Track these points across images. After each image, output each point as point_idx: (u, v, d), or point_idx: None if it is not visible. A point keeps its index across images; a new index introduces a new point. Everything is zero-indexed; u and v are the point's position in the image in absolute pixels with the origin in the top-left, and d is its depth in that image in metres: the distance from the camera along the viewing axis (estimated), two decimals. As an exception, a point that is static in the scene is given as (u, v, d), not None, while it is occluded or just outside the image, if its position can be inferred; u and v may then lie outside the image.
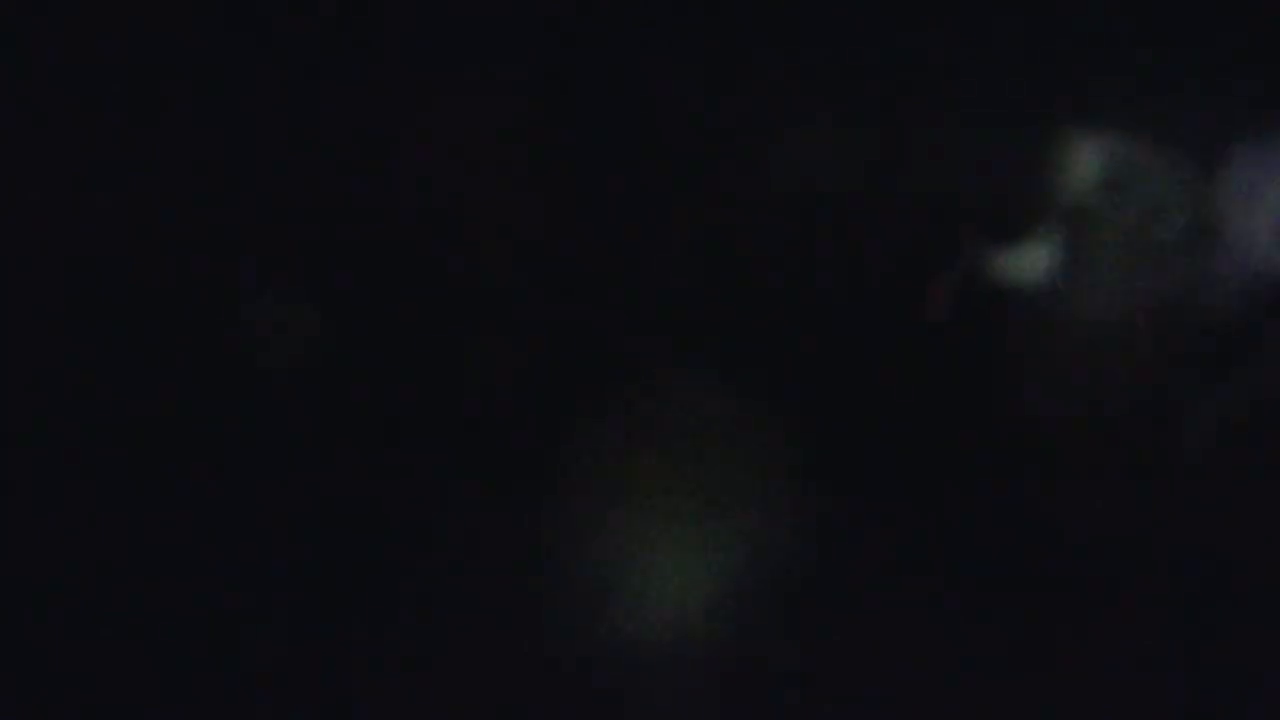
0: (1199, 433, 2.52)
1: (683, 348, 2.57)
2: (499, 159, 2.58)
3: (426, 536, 2.52)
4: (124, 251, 2.52)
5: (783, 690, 2.44)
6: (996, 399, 2.54)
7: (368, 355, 2.56)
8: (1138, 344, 2.53)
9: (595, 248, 2.57)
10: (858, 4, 2.52)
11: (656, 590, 2.51)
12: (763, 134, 2.55)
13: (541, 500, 2.53)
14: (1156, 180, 2.51)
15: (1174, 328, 2.52)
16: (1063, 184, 2.52)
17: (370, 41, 2.53)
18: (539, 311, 2.59)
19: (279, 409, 2.54)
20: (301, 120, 2.52)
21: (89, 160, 2.51)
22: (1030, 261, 2.52)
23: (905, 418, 2.55)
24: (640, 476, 2.55)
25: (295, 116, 2.52)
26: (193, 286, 2.53)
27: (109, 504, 2.49)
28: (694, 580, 2.52)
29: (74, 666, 2.42)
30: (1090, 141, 2.51)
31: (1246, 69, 2.48)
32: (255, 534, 2.49)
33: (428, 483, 2.53)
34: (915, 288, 2.53)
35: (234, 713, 2.43)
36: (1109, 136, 2.51)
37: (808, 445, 2.53)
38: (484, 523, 2.52)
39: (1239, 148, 2.50)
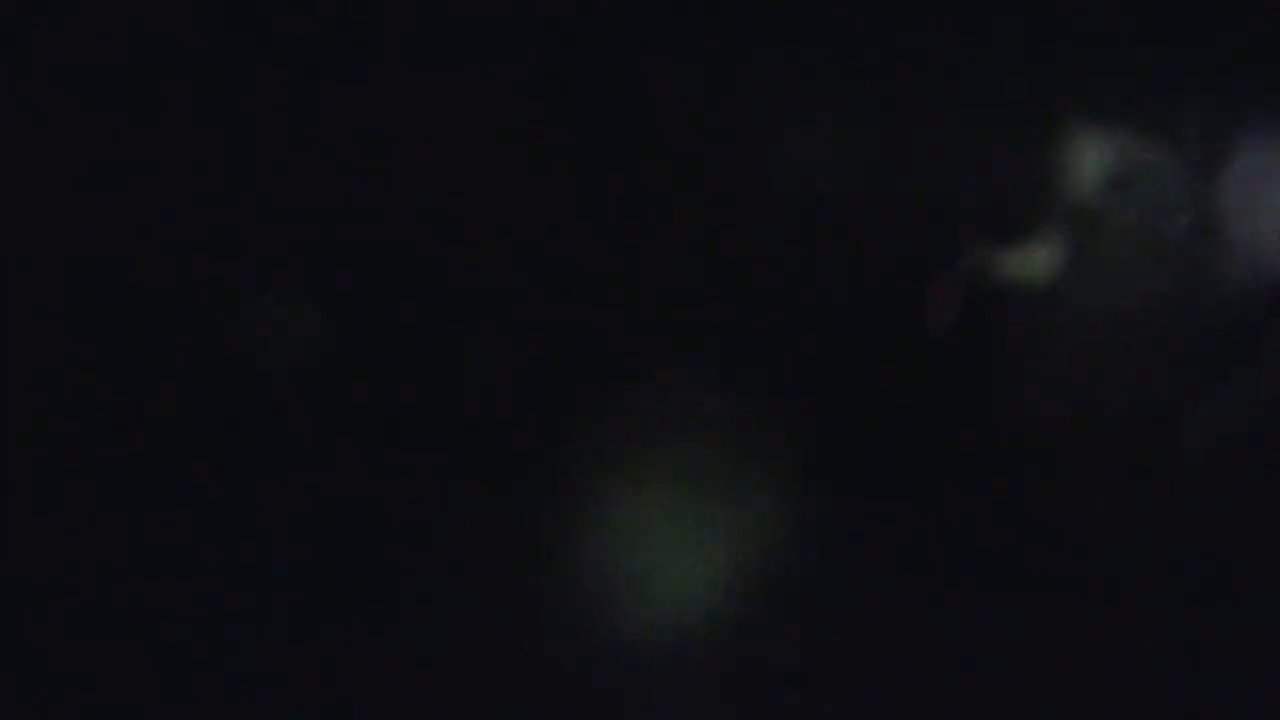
0: (1199, 433, 2.52)
1: (683, 348, 2.57)
2: (499, 159, 2.58)
3: (426, 536, 2.52)
4: (124, 251, 2.52)
5: (783, 690, 2.44)
6: (996, 398, 2.54)
7: (368, 355, 2.56)
8: (1137, 344, 2.53)
9: (595, 248, 2.57)
10: (858, 4, 2.52)
11: (656, 590, 2.51)
12: (763, 134, 2.55)
13: (541, 500, 2.53)
14: (1157, 180, 2.51)
15: (1174, 328, 2.52)
16: (1063, 184, 2.52)
17: (370, 41, 2.53)
18: (539, 311, 2.59)
19: (279, 409, 2.54)
20: (301, 120, 2.52)
21: (89, 160, 2.51)
22: (1030, 261, 2.53)
23: (905, 417, 2.55)
24: (640, 476, 2.55)
25: (295, 116, 2.52)
26: (193, 286, 2.53)
27: (109, 504, 2.49)
28: (694, 580, 2.52)
29: (74, 666, 2.42)
30: (1091, 142, 2.51)
31: (1247, 69, 2.48)
32: (255, 534, 2.49)
33: (428, 483, 2.53)
34: (915, 288, 2.53)
35: (234, 713, 2.43)
36: (1109, 136, 2.51)
37: (808, 445, 2.53)
38: (484, 523, 2.52)
39: (1240, 147, 2.50)
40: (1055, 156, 2.52)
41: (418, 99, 2.54)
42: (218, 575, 2.48)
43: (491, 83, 2.56)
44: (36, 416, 2.50)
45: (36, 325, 2.52)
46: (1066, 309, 2.53)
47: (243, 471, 2.50)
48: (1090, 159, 2.51)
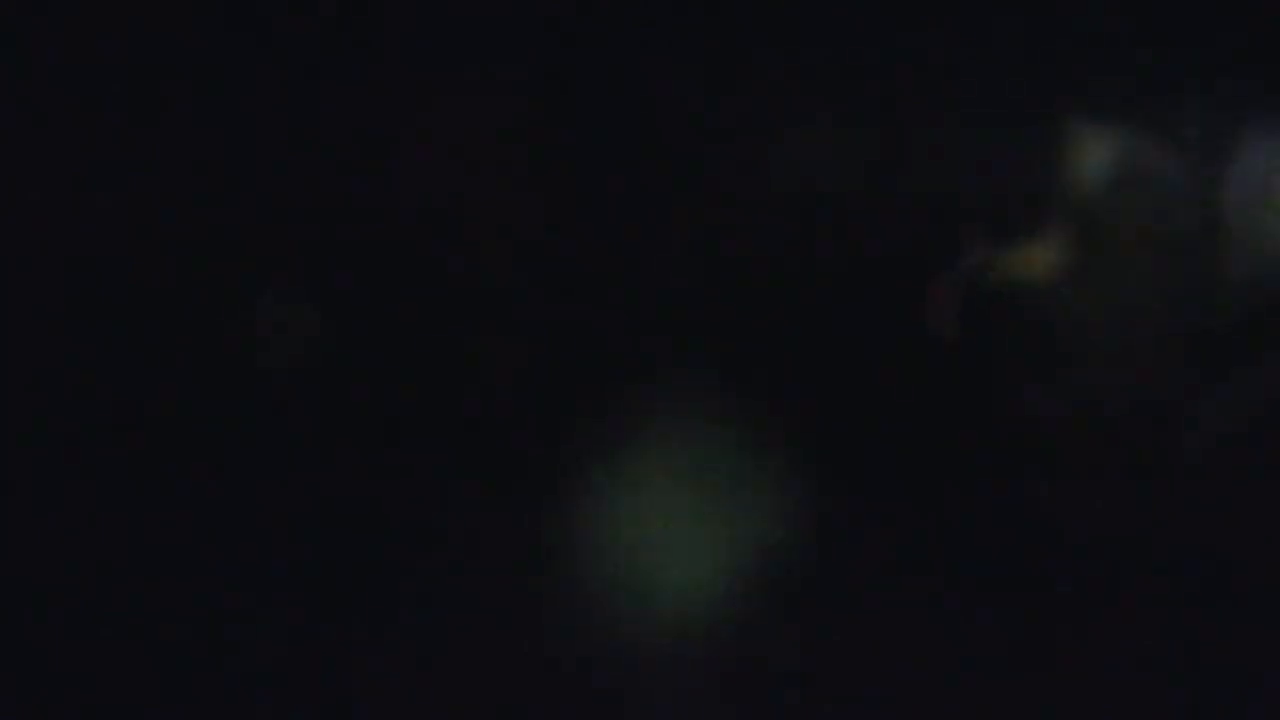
0: (1199, 433, 2.52)
1: (683, 348, 2.57)
2: (499, 159, 2.58)
3: (426, 536, 2.52)
4: (124, 251, 2.52)
5: (783, 690, 2.44)
6: (997, 398, 2.54)
7: (368, 355, 2.56)
8: (1137, 344, 2.53)
9: (595, 248, 2.57)
10: (858, 4, 2.52)
11: (656, 590, 2.51)
12: (763, 134, 2.54)
13: (541, 500, 2.53)
14: (1157, 180, 2.51)
15: (1174, 328, 2.52)
16: (1063, 184, 2.52)
17: (370, 41, 2.53)
18: (539, 311, 2.59)
19: (279, 409, 2.54)
20: (301, 120, 2.52)
21: (89, 160, 2.51)
22: (1030, 261, 2.52)
23: (905, 417, 2.54)
24: (640, 476, 2.55)
25: (295, 116, 2.52)
26: (193, 287, 2.53)
27: (109, 504, 2.49)
28: (694, 580, 2.52)
29: (74, 666, 2.42)
30: (1091, 142, 2.51)
31: (1247, 69, 2.48)
32: (255, 534, 2.49)
33: (428, 483, 2.53)
34: (915, 288, 2.53)
35: (234, 713, 2.43)
36: (1109, 136, 2.51)
37: (808, 445, 2.53)
38: (484, 523, 2.52)
39: (1241, 147, 2.50)
40: (1055, 156, 2.52)
41: (418, 99, 2.54)
42: (218, 575, 2.48)
43: (491, 83, 2.56)
44: (36, 416, 2.50)
45: (36, 325, 2.52)
46: (1066, 309, 2.53)
47: (243, 471, 2.50)
48: (1090, 159, 2.51)
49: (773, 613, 2.49)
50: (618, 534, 2.52)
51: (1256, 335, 2.51)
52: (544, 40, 2.55)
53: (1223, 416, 2.52)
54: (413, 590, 2.49)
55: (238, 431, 2.52)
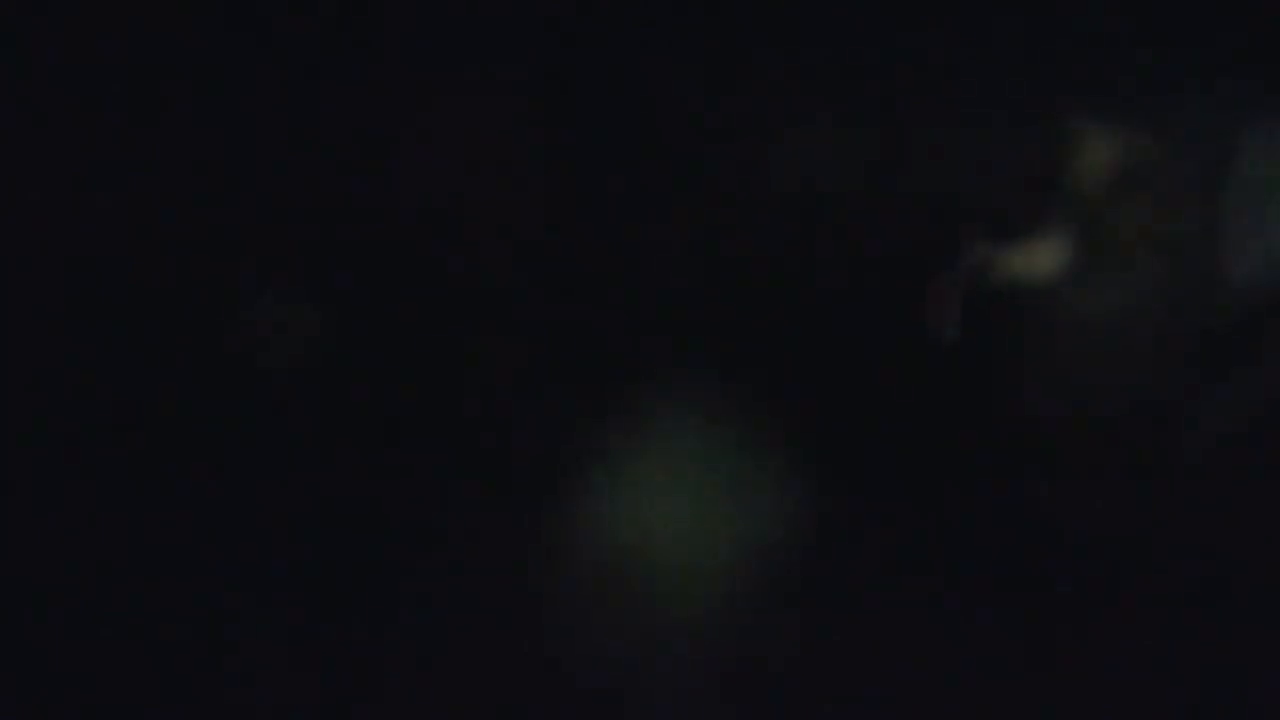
0: (1199, 433, 2.52)
1: (683, 348, 2.57)
2: (499, 159, 2.58)
3: (426, 536, 2.52)
4: (124, 251, 2.52)
5: (783, 690, 2.44)
6: (997, 398, 2.54)
7: (368, 355, 2.56)
8: (1137, 344, 2.53)
9: (595, 248, 2.57)
10: (858, 4, 2.52)
11: (656, 590, 2.51)
12: (763, 134, 2.55)
13: (541, 500, 2.53)
14: (1157, 180, 2.51)
15: (1174, 328, 2.52)
16: (1063, 184, 2.52)
17: (370, 41, 2.53)
18: (539, 311, 2.59)
19: (279, 409, 2.54)
20: (301, 120, 2.52)
21: (89, 160, 2.51)
22: (1030, 261, 2.52)
23: (906, 417, 2.55)
24: (640, 476, 2.55)
25: (295, 116, 2.52)
26: (193, 286, 2.53)
27: (109, 504, 2.49)
28: (694, 579, 2.52)
29: (74, 666, 2.42)
30: (1091, 142, 2.51)
31: (1247, 69, 2.48)
32: (255, 534, 2.49)
33: (428, 483, 2.53)
34: (915, 288, 2.53)
35: (234, 713, 2.43)
36: (1110, 136, 2.51)
37: (808, 445, 2.53)
38: (484, 523, 2.52)
39: (1240, 147, 2.50)
40: (1055, 156, 2.52)
41: (418, 99, 2.54)
42: (218, 575, 2.48)
43: (491, 83, 2.56)
44: (36, 416, 2.51)
45: (36, 325, 2.52)
46: (1066, 309, 2.53)
47: (243, 471, 2.50)
48: (1090, 159, 2.51)
49: (773, 613, 2.49)
50: (617, 534, 2.52)
51: (1256, 335, 2.52)
52: (544, 40, 2.55)
53: (1223, 416, 2.52)
54: (413, 590, 2.50)
55: (238, 431, 2.52)
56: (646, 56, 2.54)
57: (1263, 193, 2.51)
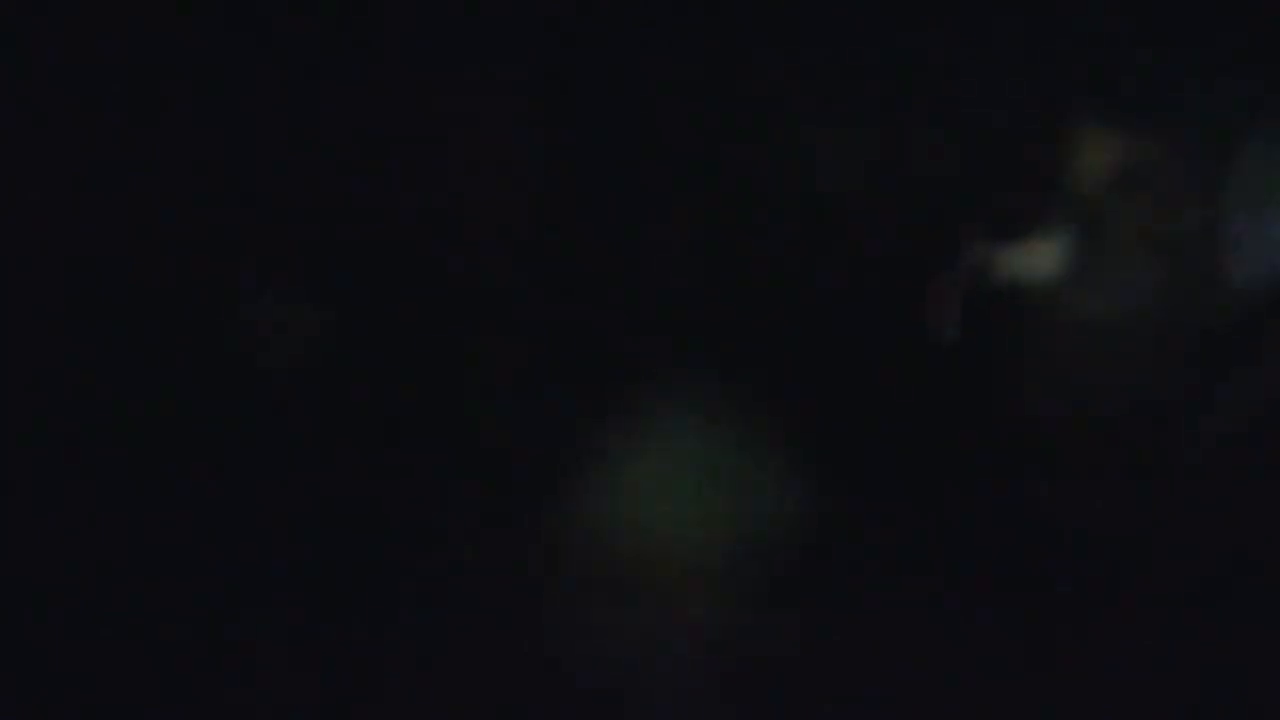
0: (1199, 433, 2.52)
1: (683, 348, 2.57)
2: (499, 159, 2.58)
3: (426, 536, 2.52)
4: (124, 251, 2.52)
5: (783, 690, 2.44)
6: (997, 398, 2.54)
7: (368, 355, 2.56)
8: (1138, 344, 2.53)
9: (596, 248, 2.57)
10: (858, 4, 2.52)
11: (656, 590, 2.51)
12: (763, 134, 2.55)
13: (541, 500, 2.53)
14: (1157, 180, 2.51)
15: (1174, 327, 2.52)
16: (1063, 184, 2.52)
17: (370, 41, 2.53)
18: (539, 311, 2.59)
19: (279, 409, 2.54)
20: (301, 120, 2.52)
21: (89, 160, 2.51)
22: (1030, 261, 2.53)
23: (906, 417, 2.55)
24: (640, 476, 2.55)
25: (295, 116, 2.52)
26: (193, 286, 2.53)
27: (109, 504, 2.49)
28: (694, 579, 2.52)
29: (74, 666, 2.42)
30: (1091, 142, 2.51)
31: (1247, 69, 2.48)
32: (255, 534, 2.49)
33: (428, 483, 2.53)
34: (915, 288, 2.53)
35: (234, 713, 2.43)
36: (1110, 136, 2.51)
37: (808, 445, 2.53)
38: (484, 523, 2.52)
39: (1241, 147, 2.50)
40: (1055, 156, 2.52)
41: (418, 99, 2.54)
42: (218, 575, 2.48)
43: (491, 83, 2.56)
44: (36, 416, 2.51)
45: (36, 325, 2.52)
46: (1067, 309, 2.53)
47: (243, 471, 2.50)
48: (1090, 159, 2.51)
49: (773, 612, 2.49)
50: (617, 534, 2.52)
51: (1256, 335, 2.52)
52: (544, 40, 2.55)
53: (1223, 416, 2.52)
54: (413, 590, 2.50)
55: (238, 431, 2.52)
56: (646, 56, 2.54)
57: (1263, 193, 2.51)
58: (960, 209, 2.52)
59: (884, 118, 2.53)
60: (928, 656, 2.45)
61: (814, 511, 2.51)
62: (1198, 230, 2.51)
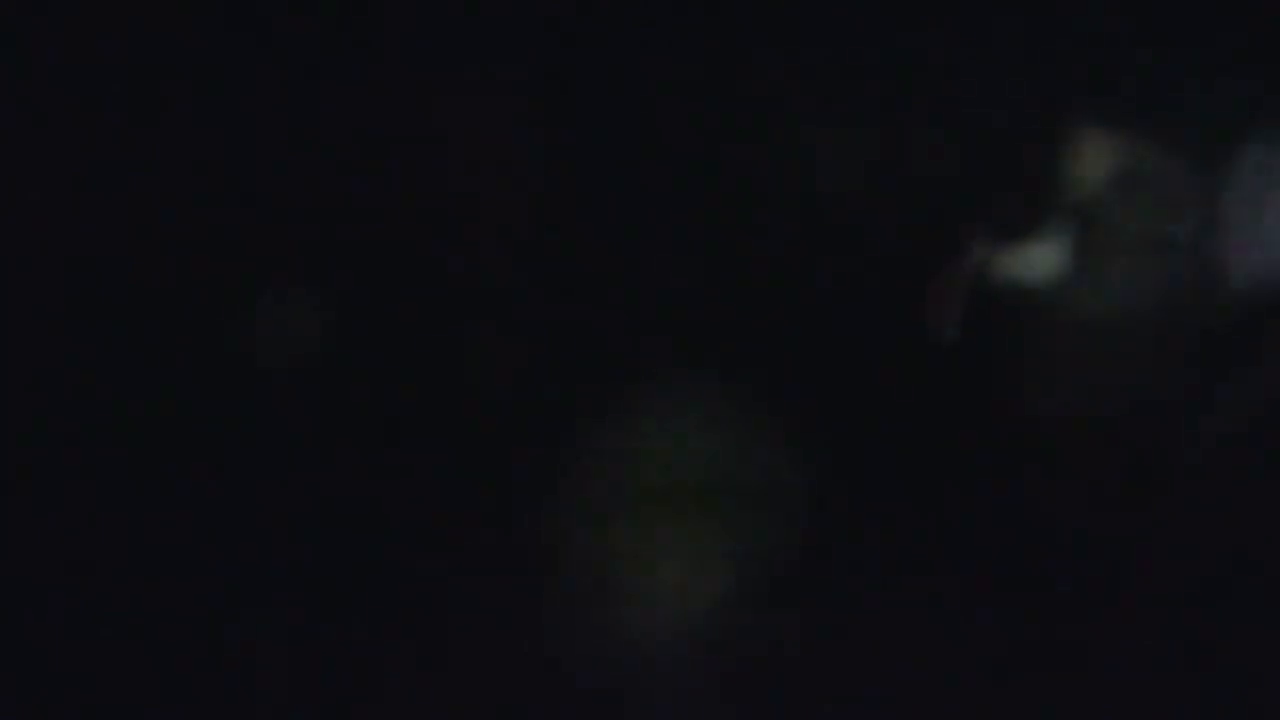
0: (1199, 432, 2.52)
1: (683, 348, 2.57)
2: (499, 158, 2.58)
3: (426, 536, 2.52)
4: (124, 251, 2.52)
5: (783, 690, 2.44)
6: (997, 398, 2.54)
7: (368, 355, 2.56)
8: (1138, 344, 2.53)
9: (596, 247, 2.57)
10: (858, 4, 2.52)
11: (656, 590, 2.51)
12: (763, 134, 2.54)
13: (541, 500, 2.53)
14: (1158, 180, 2.51)
15: (1174, 328, 2.52)
16: (1063, 184, 2.52)
17: (370, 41, 2.53)
18: (539, 311, 2.59)
19: (279, 409, 2.54)
20: (301, 120, 2.52)
21: (89, 160, 2.51)
22: (1031, 261, 2.52)
23: (906, 417, 2.55)
24: (640, 476, 2.55)
25: (295, 116, 2.52)
26: (191, 286, 2.53)
27: (109, 504, 2.49)
28: (694, 580, 2.52)
29: (74, 666, 2.42)
30: (1091, 142, 2.51)
31: (1247, 69, 2.48)
32: (255, 534, 2.49)
33: (428, 483, 2.53)
34: (915, 288, 2.53)
35: (234, 713, 2.43)
36: (1110, 137, 2.51)
37: (808, 445, 2.53)
38: (484, 523, 2.52)
39: (1241, 148, 2.50)
40: (1055, 157, 2.52)
41: (418, 99, 2.54)
42: (218, 575, 2.48)
43: (491, 83, 2.56)
44: (36, 416, 2.50)
45: (36, 325, 2.52)
46: (1067, 309, 2.53)
47: (243, 471, 2.50)
48: (1090, 159, 2.51)
49: (773, 613, 2.49)
50: (617, 534, 2.52)
51: (1256, 335, 2.51)
52: (544, 40, 2.55)
53: (1223, 416, 2.52)
54: (412, 591, 2.49)
55: (238, 431, 2.52)
56: (646, 56, 2.54)
57: (1263, 193, 2.51)
58: (960, 209, 2.52)
59: (884, 118, 2.53)
60: (928, 656, 2.44)
61: (814, 511, 2.51)
62: (1198, 230, 2.51)
